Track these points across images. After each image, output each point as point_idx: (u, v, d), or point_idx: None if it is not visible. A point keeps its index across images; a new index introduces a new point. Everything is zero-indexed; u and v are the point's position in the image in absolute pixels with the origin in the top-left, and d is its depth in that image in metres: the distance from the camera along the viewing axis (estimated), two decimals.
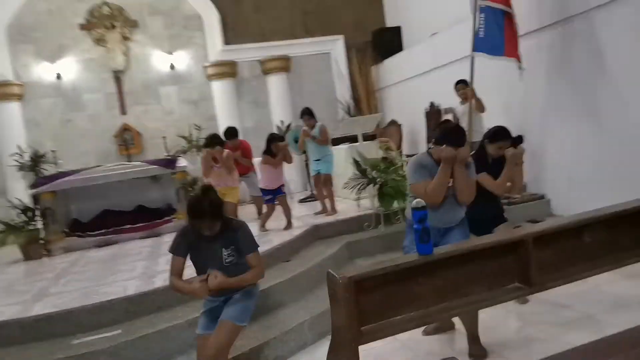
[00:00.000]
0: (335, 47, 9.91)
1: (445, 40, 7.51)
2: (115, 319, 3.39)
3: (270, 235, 5.14)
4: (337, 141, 6.93)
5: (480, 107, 5.82)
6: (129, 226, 6.38)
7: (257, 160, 6.13)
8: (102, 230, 6.27)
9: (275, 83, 9.49)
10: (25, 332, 3.28)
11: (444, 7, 8.00)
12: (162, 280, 3.74)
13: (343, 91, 9.88)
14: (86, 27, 8.66)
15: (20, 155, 7.65)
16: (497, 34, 5.56)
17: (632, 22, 4.49)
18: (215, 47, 9.21)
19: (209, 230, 2.48)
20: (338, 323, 1.88)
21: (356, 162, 5.28)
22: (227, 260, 2.57)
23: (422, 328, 3.25)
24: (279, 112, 9.40)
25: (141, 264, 4.66)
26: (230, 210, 5.03)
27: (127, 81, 8.86)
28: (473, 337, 2.90)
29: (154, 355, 3.11)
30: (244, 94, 9.43)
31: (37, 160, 7.59)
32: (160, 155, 7.50)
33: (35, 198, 6.09)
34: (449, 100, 7.28)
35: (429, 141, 7.28)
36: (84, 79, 8.68)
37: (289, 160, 5.48)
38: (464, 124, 5.71)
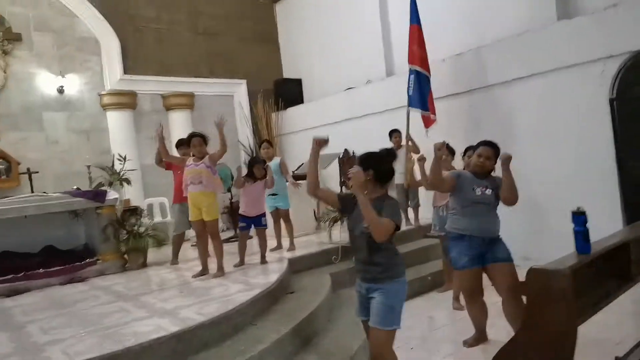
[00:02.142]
0: (239, 90, 10.01)
1: (361, 95, 8.39)
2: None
3: (254, 269, 4.92)
4: None
5: (416, 150, 6.63)
6: (42, 270, 5.25)
7: None
8: (9, 276, 5.03)
9: (178, 120, 9.07)
10: None
11: (344, 68, 9.02)
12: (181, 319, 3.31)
13: (245, 134, 9.94)
14: None
15: None
16: (423, 93, 6.58)
17: (539, 94, 5.87)
18: (114, 75, 8.43)
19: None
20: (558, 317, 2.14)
21: None
22: (364, 226, 2.48)
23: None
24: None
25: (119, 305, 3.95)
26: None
27: (3, 102, 7.42)
28: None
29: None
30: (143, 128, 8.74)
31: None
32: (43, 190, 6.33)
33: None
34: (364, 147, 8.06)
35: (341, 185, 7.89)
36: None
37: (269, 185, 5.33)
38: (400, 166, 6.47)
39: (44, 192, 5.70)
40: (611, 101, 5.24)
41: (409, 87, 6.69)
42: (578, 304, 2.28)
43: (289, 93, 10.22)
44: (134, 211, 6.26)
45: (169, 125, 8.99)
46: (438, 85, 6.76)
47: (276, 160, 6.06)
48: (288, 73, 10.76)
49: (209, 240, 4.87)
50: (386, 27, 8.38)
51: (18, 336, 3.34)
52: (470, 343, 3.67)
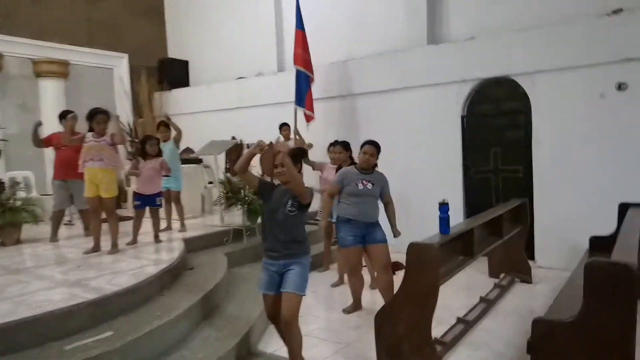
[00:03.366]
0: (120, 64, 9.62)
1: (252, 85, 8.76)
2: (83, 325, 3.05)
3: (149, 247, 5.04)
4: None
5: (302, 143, 7.26)
6: None
7: None
8: None
9: (49, 88, 8.43)
10: None
11: (236, 56, 9.32)
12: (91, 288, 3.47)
13: (124, 111, 9.58)
14: None
15: None
16: (303, 91, 7.28)
17: (407, 105, 6.91)
18: None
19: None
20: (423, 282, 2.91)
21: (229, 182, 5.81)
22: (289, 209, 2.94)
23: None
24: (53, 121, 8.33)
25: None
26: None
27: None
28: None
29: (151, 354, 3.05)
30: (9, 94, 7.98)
31: None
32: None
33: None
34: (253, 136, 8.52)
35: (227, 170, 8.22)
36: None
37: (166, 170, 5.42)
38: None
39: None
40: (462, 117, 6.47)
41: (296, 85, 7.34)
42: (440, 270, 3.08)
43: (175, 74, 10.12)
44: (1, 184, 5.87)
45: (39, 94, 8.32)
46: (322, 86, 7.52)
47: (170, 143, 6.16)
48: (174, 53, 10.60)
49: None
50: (280, 25, 8.85)
51: None
52: (349, 310, 4.40)
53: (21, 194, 5.91)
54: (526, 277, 5.13)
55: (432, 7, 6.92)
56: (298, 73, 7.28)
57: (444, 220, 3.28)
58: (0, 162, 7.59)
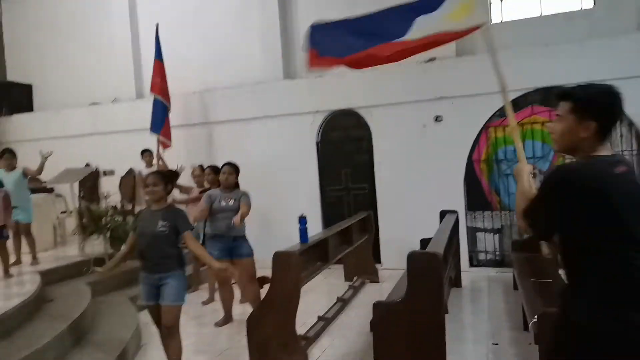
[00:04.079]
0: None
1: (107, 112, 8.55)
2: None
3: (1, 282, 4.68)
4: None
5: (165, 167, 7.31)
6: None
7: None
8: None
9: None
10: None
11: (88, 82, 9.02)
12: None
13: None
14: None
15: None
16: (159, 119, 7.49)
17: (265, 133, 7.50)
18: None
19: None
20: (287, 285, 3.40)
21: (88, 211, 5.65)
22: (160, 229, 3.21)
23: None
24: None
25: None
26: None
27: None
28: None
29: None
30: None
31: None
32: None
33: None
34: (109, 163, 8.35)
35: (81, 197, 7.90)
36: None
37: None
38: None
39: None
40: (317, 143, 7.27)
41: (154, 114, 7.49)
42: (302, 274, 3.60)
43: (15, 98, 9.35)
44: None
45: None
46: (182, 114, 7.80)
47: (17, 172, 5.78)
48: (14, 76, 9.77)
49: None
50: (137, 52, 8.82)
51: None
52: (220, 323, 4.68)
53: None
54: (374, 277, 5.98)
55: (286, 45, 7.68)
56: (155, 101, 7.44)
57: (303, 231, 3.83)
58: None
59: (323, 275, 5.33)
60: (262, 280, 4.60)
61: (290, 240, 4.07)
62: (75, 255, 6.03)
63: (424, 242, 5.38)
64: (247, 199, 4.55)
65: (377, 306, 3.11)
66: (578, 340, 1.55)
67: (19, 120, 9.22)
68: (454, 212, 5.70)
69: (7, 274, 5.01)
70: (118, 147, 8.30)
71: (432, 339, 2.92)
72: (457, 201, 6.34)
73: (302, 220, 3.87)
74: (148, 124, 7.59)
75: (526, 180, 1.86)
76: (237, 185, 4.64)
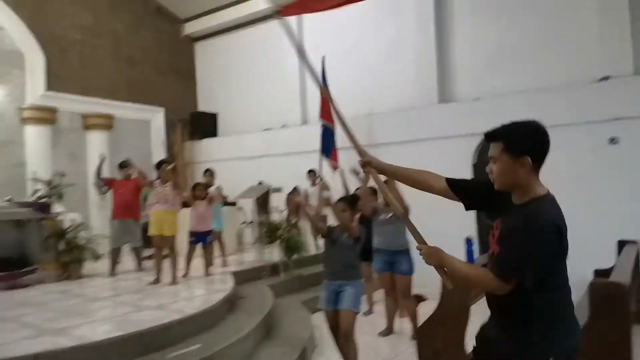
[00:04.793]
0: (156, 117, 10.53)
1: (277, 136, 9.65)
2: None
3: (201, 280, 5.69)
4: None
5: (326, 187, 7.99)
6: None
7: None
8: None
9: (96, 140, 9.30)
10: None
11: (261, 110, 10.27)
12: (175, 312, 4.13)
13: (159, 159, 10.37)
14: None
15: None
16: (329, 144, 8.11)
17: (420, 155, 7.71)
18: (36, 90, 8.49)
19: None
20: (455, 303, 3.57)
21: (267, 223, 6.52)
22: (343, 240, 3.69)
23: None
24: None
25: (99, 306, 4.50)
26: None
27: None
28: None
29: None
30: (61, 144, 8.83)
31: None
32: None
33: None
34: (276, 181, 9.35)
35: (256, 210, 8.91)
36: None
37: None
38: (314, 201, 7.78)
39: None
40: (473, 165, 7.26)
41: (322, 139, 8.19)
42: (470, 293, 3.74)
43: (204, 125, 11.04)
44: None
45: (86, 144, 9.18)
46: (344, 137, 8.34)
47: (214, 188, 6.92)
48: (204, 107, 11.57)
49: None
50: (303, 82, 9.81)
51: (26, 324, 3.78)
52: (384, 333, 5.00)
53: (82, 233, 6.58)
54: None
55: (441, 71, 7.87)
56: (324, 127, 8.13)
57: (470, 253, 3.96)
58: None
59: None
60: (418, 298, 4.85)
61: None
62: (254, 260, 6.92)
63: (600, 274, 5.07)
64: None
65: None
66: None
67: (207, 143, 10.88)
68: (634, 242, 5.23)
69: (207, 273, 6.00)
70: (284, 167, 9.28)
71: None
72: (633, 230, 5.79)
73: (469, 242, 4.01)
74: (311, 147, 8.38)
75: (451, 258, 1.75)
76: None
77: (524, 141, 1.67)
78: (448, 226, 6.24)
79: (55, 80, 8.80)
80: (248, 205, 8.95)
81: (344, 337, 3.63)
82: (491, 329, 1.82)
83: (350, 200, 3.87)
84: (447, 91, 7.89)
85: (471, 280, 1.74)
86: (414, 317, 4.68)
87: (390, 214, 4.81)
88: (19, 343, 3.40)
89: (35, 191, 6.38)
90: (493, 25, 7.55)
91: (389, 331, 5.02)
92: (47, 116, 8.54)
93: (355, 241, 3.71)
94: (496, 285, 1.64)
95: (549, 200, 1.68)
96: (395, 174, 2.06)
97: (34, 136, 8.41)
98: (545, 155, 1.69)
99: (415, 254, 4.86)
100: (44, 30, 8.69)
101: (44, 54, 8.61)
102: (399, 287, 4.75)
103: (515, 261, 1.61)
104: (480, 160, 7.25)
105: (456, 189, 1.90)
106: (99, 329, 3.65)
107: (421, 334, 3.79)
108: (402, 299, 4.79)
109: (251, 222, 7.75)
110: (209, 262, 6.06)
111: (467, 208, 1.94)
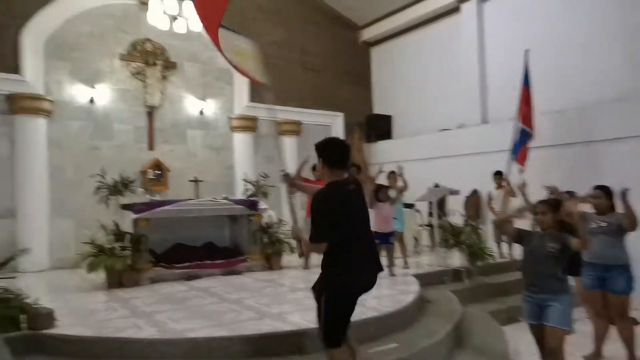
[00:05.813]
0: (336, 121, 11.28)
1: (454, 137, 9.49)
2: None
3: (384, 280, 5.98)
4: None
5: (512, 193, 7.57)
6: (209, 262, 6.49)
7: None
8: (186, 264, 6.29)
9: (287, 143, 10.35)
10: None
11: (436, 110, 10.16)
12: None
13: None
14: (126, 58, 8.63)
15: (103, 177, 7.10)
16: (518, 146, 7.57)
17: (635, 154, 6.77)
18: (242, 102, 9.83)
19: None
20: None
21: (450, 227, 6.54)
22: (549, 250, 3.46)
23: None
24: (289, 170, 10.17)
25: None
26: None
27: (159, 118, 8.90)
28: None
29: None
30: (260, 148, 10.07)
31: (126, 184, 7.13)
32: (183, 195, 7.62)
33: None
34: (452, 183, 9.16)
35: (430, 213, 8.87)
36: (117, 108, 8.50)
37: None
38: (497, 205, 7.43)
39: (214, 198, 6.92)
40: None
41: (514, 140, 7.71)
42: None
43: (380, 128, 11.42)
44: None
45: (280, 148, 10.29)
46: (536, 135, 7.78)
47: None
48: (379, 109, 11.97)
49: None
50: (483, 79, 9.44)
51: (248, 306, 4.51)
52: (590, 358, 4.57)
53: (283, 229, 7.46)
54: None
55: None
56: (521, 129, 7.54)
57: None
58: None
59: None
60: (634, 322, 4.31)
61: None
62: (434, 264, 6.97)
63: None
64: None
65: None
66: None
67: (382, 145, 11.24)
68: None
69: (391, 273, 6.28)
70: (463, 169, 9.07)
71: None
72: None
73: None
74: (491, 148, 8.05)
75: None
76: (612, 208, 4.42)
77: (317, 150, 3.02)
78: None
79: (255, 93, 10.07)
80: (423, 207, 9.04)
81: (549, 356, 3.46)
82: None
83: (552, 204, 3.66)
84: None
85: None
86: (630, 343, 4.20)
87: (604, 222, 4.32)
88: (246, 322, 4.09)
89: (246, 190, 7.44)
90: None
91: (596, 356, 4.57)
92: (249, 124, 9.84)
93: (562, 250, 3.46)
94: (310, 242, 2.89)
95: (335, 184, 2.94)
96: None
97: (240, 142, 9.77)
98: (333, 158, 2.99)
99: (636, 271, 4.31)
100: None
101: None
102: (612, 307, 4.29)
103: (314, 226, 2.84)
104: None
105: None
106: (308, 317, 4.14)
107: None
108: (617, 321, 4.29)
109: (430, 224, 7.80)
110: (391, 263, 6.32)
111: None
